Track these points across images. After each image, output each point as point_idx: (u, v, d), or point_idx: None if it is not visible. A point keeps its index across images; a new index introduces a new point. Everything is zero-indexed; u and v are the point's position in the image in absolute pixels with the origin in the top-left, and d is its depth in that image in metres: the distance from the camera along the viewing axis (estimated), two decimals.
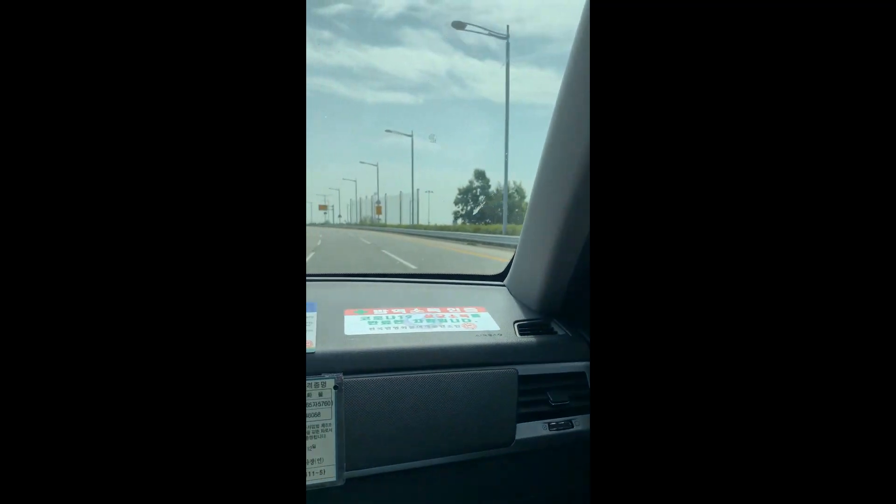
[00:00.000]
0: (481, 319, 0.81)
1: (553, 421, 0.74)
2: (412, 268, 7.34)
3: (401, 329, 0.75)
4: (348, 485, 0.62)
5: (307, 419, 0.62)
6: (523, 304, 0.89)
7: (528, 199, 0.79)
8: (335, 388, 0.64)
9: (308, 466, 0.60)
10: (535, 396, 0.74)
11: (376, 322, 0.76)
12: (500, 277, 1.03)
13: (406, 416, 0.66)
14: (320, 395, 0.63)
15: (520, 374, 0.73)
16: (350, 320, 0.76)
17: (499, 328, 0.79)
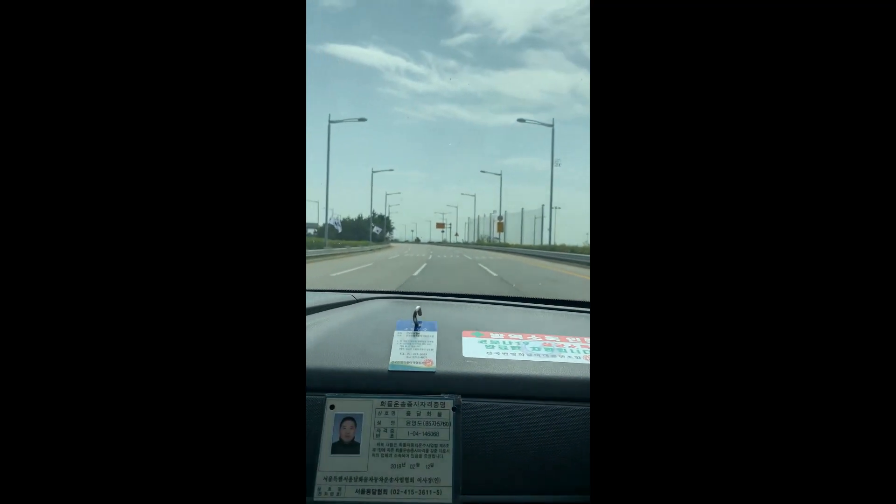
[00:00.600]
0: None
1: None
2: None
3: (518, 356, 0.74)
4: None
5: (425, 437, 0.63)
6: None
7: None
8: (454, 409, 0.64)
9: (424, 485, 0.62)
10: None
11: (493, 346, 0.76)
12: None
13: (521, 446, 0.64)
14: (439, 414, 0.64)
15: None
16: (468, 342, 0.77)
17: None
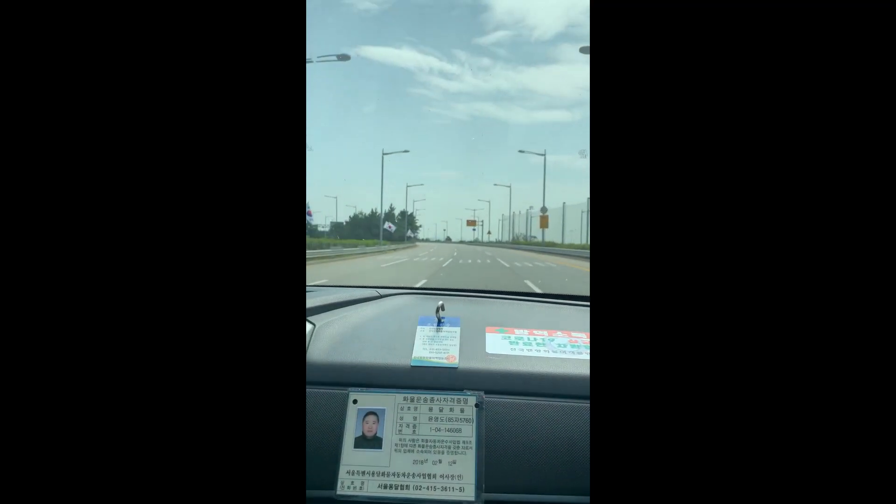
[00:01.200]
0: None
1: None
2: None
3: (543, 353, 0.72)
4: None
5: (447, 434, 0.63)
6: None
7: None
8: (477, 405, 0.64)
9: (447, 482, 0.61)
10: None
11: (517, 343, 0.75)
12: None
13: (547, 445, 0.63)
14: (462, 411, 0.64)
15: None
16: (491, 338, 0.75)
17: None
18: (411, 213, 59.51)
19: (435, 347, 0.71)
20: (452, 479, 0.61)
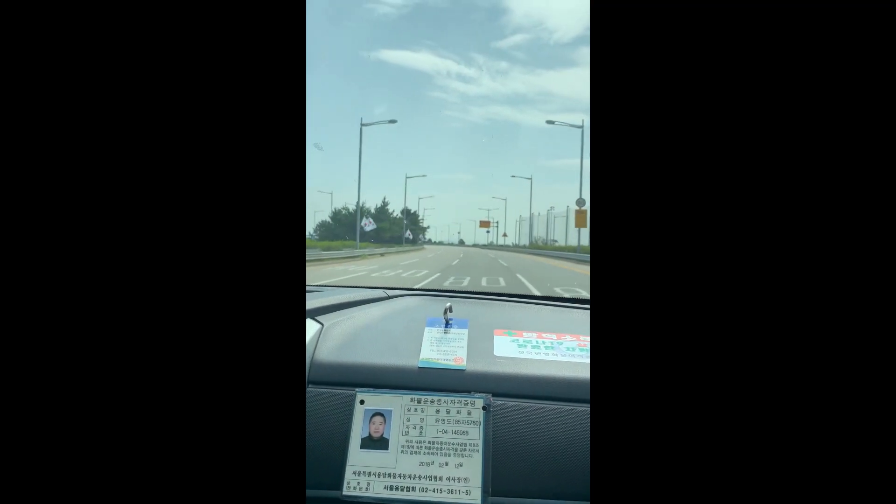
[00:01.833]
0: None
1: None
2: None
3: (551, 356, 0.71)
4: None
5: (454, 436, 0.62)
6: None
7: None
8: (484, 408, 0.63)
9: (453, 484, 0.61)
10: None
11: (525, 345, 0.74)
12: None
13: (555, 448, 0.62)
14: (469, 413, 0.63)
15: None
16: (499, 341, 0.75)
17: None
18: (414, 212, 47.12)
19: (442, 349, 0.71)
20: (458, 481, 0.61)
